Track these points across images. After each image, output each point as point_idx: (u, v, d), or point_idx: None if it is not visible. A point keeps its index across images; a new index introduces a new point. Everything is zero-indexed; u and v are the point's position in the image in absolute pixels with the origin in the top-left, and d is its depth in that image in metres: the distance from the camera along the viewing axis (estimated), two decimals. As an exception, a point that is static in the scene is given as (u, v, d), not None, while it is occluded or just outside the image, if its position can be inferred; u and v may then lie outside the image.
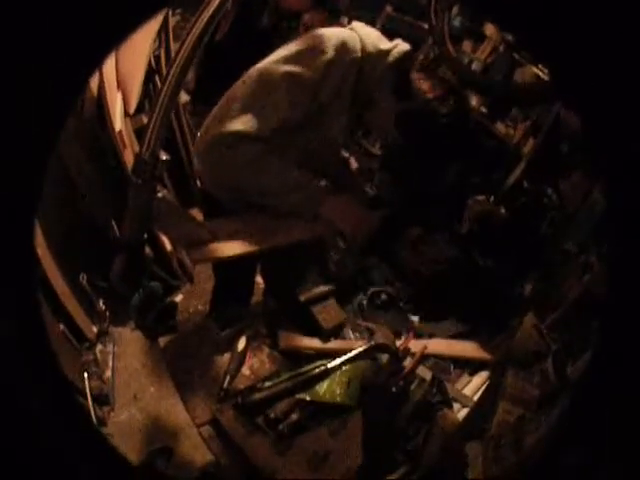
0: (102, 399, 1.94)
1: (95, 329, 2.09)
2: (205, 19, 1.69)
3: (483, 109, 4.20)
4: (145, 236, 1.99)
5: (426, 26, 3.94)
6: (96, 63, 1.12)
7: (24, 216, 1.14)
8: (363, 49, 2.15)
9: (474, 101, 4.20)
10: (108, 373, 2.00)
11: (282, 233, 2.23)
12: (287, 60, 2.11)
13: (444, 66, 3.56)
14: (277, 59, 2.13)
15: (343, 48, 2.11)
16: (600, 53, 1.00)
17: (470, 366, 2.63)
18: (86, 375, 1.94)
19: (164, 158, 1.80)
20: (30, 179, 1.10)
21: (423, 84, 2.20)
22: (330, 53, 2.08)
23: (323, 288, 2.42)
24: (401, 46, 2.24)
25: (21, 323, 1.16)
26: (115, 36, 1.10)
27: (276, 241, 2.20)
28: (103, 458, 1.36)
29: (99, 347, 2.04)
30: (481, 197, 3.86)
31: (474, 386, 2.52)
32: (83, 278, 2.19)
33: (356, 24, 2.24)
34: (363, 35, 2.17)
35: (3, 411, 1.14)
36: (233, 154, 2.12)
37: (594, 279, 2.23)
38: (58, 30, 0.98)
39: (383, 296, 2.89)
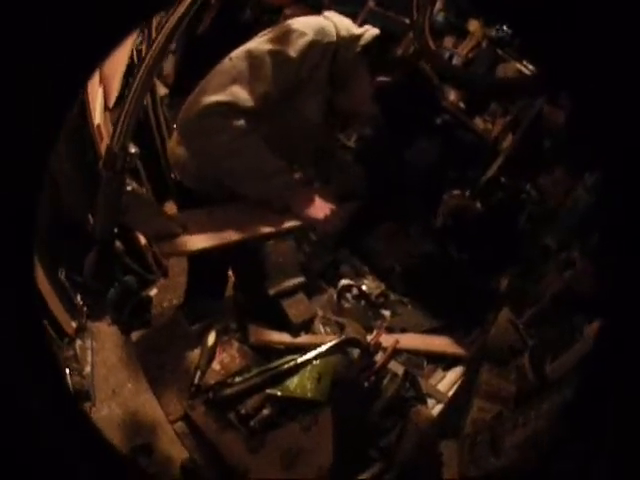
0: (83, 395, 1.93)
1: (74, 324, 2.07)
2: (181, 11, 1.69)
3: (461, 104, 4.19)
4: (115, 230, 1.98)
5: (408, 21, 3.94)
6: (93, 66, 1.11)
7: (24, 215, 1.14)
8: (338, 34, 2.32)
9: (452, 96, 4.20)
10: (88, 369, 2.01)
11: (252, 226, 2.25)
12: (272, 40, 2.26)
13: (423, 60, 3.58)
14: (263, 40, 2.28)
15: (321, 32, 2.29)
16: (593, 41, 1.01)
17: (444, 361, 2.59)
18: (68, 371, 1.93)
19: (133, 151, 1.82)
20: (30, 179, 1.11)
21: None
22: (310, 35, 2.26)
23: (293, 281, 2.39)
24: (371, 31, 2.42)
25: (21, 323, 1.16)
26: (113, 39, 1.11)
27: (246, 234, 2.21)
28: (102, 458, 1.36)
29: (78, 342, 2.04)
30: (456, 192, 3.85)
31: (448, 382, 2.48)
32: (61, 273, 2.18)
33: (329, 13, 2.42)
34: (337, 22, 2.35)
35: (3, 411, 1.14)
36: (219, 127, 2.22)
37: (576, 275, 2.22)
38: (57, 31, 0.99)
39: (354, 290, 2.86)
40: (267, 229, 2.29)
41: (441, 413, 2.20)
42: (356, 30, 2.39)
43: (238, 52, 2.27)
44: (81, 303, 2.14)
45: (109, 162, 1.80)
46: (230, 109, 2.20)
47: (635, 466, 1.11)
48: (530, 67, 3.83)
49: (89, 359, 2.01)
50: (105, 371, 2.04)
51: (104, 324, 2.12)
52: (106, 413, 1.95)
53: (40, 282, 2.07)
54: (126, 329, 2.14)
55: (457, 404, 2.05)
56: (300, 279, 2.42)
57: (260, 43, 2.27)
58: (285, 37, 2.26)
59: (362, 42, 2.36)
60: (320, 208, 2.42)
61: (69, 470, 1.24)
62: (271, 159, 2.32)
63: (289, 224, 2.37)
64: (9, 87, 0.98)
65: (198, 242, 2.09)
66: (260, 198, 2.36)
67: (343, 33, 2.33)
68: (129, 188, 1.93)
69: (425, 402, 2.29)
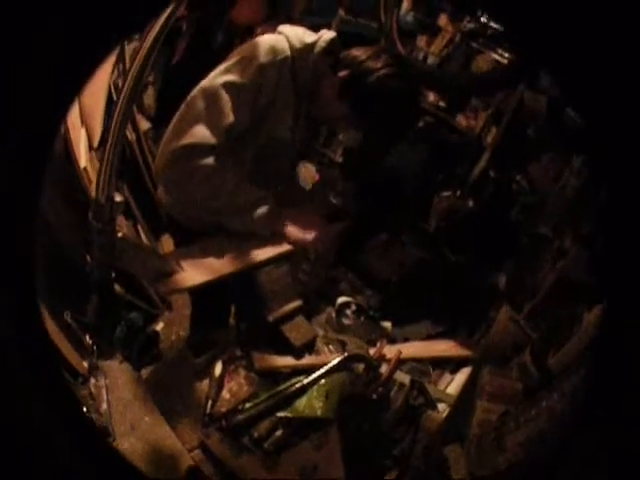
0: (103, 431, 1.95)
1: (86, 364, 2.10)
2: (148, 44, 1.71)
3: (441, 103, 4.20)
4: (113, 275, 2.03)
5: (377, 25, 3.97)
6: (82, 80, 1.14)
7: (24, 215, 1.15)
8: (291, 47, 2.31)
9: (431, 96, 4.21)
10: (104, 406, 2.01)
11: (246, 256, 2.28)
12: (223, 72, 2.25)
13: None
14: (215, 74, 2.27)
15: (272, 51, 2.27)
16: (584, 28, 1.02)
17: (450, 365, 2.64)
18: (85, 410, 1.96)
19: (119, 200, 1.84)
20: (30, 178, 1.12)
21: (354, 52, 2.35)
22: (260, 58, 2.25)
23: (290, 306, 2.43)
24: (326, 35, 2.40)
25: (21, 325, 1.18)
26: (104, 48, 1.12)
27: (241, 265, 2.25)
28: (103, 459, 1.38)
29: (92, 381, 2.05)
30: (447, 193, 3.87)
31: (457, 384, 2.52)
32: (67, 315, 2.21)
33: (283, 27, 2.40)
34: (289, 35, 2.33)
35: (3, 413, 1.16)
36: (189, 170, 2.23)
37: (569, 264, 2.24)
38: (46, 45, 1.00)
39: (352, 306, 2.90)
40: (261, 257, 2.31)
41: (446, 417, 2.23)
42: (309, 38, 2.37)
43: (194, 92, 2.27)
44: (90, 343, 2.17)
45: (97, 214, 1.83)
46: (195, 151, 2.21)
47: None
48: (506, 55, 3.80)
49: (104, 397, 2.03)
50: (121, 407, 2.05)
51: (115, 362, 2.14)
52: (127, 447, 1.97)
53: (47, 324, 2.10)
54: (137, 365, 2.18)
55: (462, 407, 2.08)
56: (297, 302, 2.44)
57: (213, 78, 2.26)
58: (236, 66, 2.26)
59: (317, 49, 2.35)
60: (308, 229, 2.42)
61: (69, 470, 1.26)
62: (248, 191, 2.35)
63: (282, 249, 2.37)
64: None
65: (194, 278, 2.12)
66: (246, 230, 2.36)
67: (297, 45, 2.33)
68: (120, 234, 1.97)
69: (435, 407, 2.34)
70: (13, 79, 0.98)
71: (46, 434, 1.22)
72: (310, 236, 2.42)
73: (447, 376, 2.59)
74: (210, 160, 2.22)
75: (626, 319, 1.16)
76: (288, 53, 2.31)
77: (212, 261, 2.21)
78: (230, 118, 2.23)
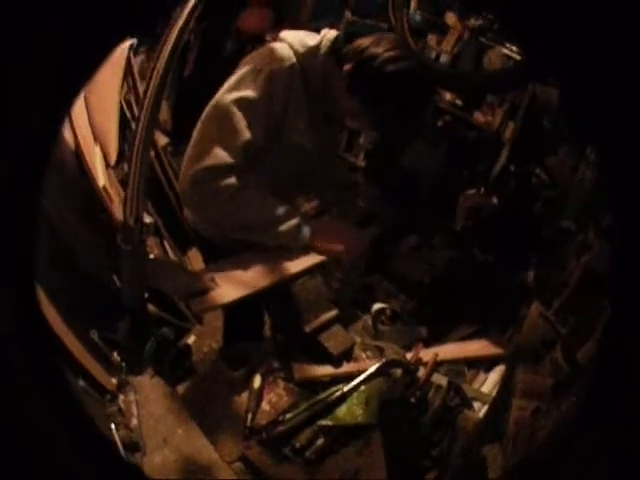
0: (133, 446, 1.97)
1: (114, 381, 2.11)
2: (164, 59, 1.71)
3: (458, 101, 4.22)
4: (146, 296, 2.04)
5: (386, 26, 3.96)
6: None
7: (24, 214, 1.15)
8: (295, 52, 2.33)
9: (448, 95, 4.22)
10: (134, 421, 2.02)
11: (279, 269, 2.30)
12: (232, 89, 2.26)
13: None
14: (223, 91, 2.29)
15: (276, 59, 2.29)
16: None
17: (484, 364, 2.66)
18: (113, 426, 1.98)
19: (148, 221, 1.86)
20: (30, 178, 1.12)
21: (355, 43, 2.32)
22: (266, 69, 2.26)
23: (326, 315, 2.44)
24: (329, 34, 2.41)
25: (21, 324, 1.17)
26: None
27: (274, 278, 2.27)
28: (104, 459, 1.38)
29: (121, 397, 2.06)
30: (471, 191, 3.90)
31: (492, 382, 2.55)
32: (94, 334, 2.22)
33: (283, 33, 2.41)
34: (292, 40, 2.35)
35: (3, 413, 1.16)
36: (212, 192, 2.26)
37: (593, 257, 2.24)
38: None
39: (387, 312, 2.92)
40: (295, 269, 2.34)
41: (485, 417, 2.24)
42: (312, 41, 2.37)
43: (207, 110, 2.30)
44: (119, 360, 2.18)
45: (126, 236, 1.85)
46: (215, 172, 2.23)
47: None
48: (514, 49, 3.84)
49: (134, 412, 2.03)
50: (153, 422, 2.05)
51: (146, 377, 2.14)
52: (159, 461, 1.97)
53: (71, 343, 2.11)
54: (169, 380, 2.19)
55: (498, 406, 2.09)
56: (333, 312, 2.45)
57: (223, 94, 2.27)
58: (245, 79, 2.26)
59: (322, 50, 2.35)
60: (339, 239, 2.45)
61: (70, 471, 1.25)
62: (272, 207, 2.35)
63: (316, 260, 2.41)
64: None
65: (228, 294, 2.14)
66: (276, 244, 2.37)
67: (300, 49, 2.33)
68: (151, 256, 1.98)
69: (471, 406, 2.36)
70: (13, 79, 0.98)
71: (46, 434, 1.22)
72: (341, 246, 2.43)
73: (481, 375, 2.61)
74: (232, 180, 2.25)
75: (629, 320, 1.16)
76: (293, 59, 2.32)
77: (245, 276, 2.23)
78: (246, 135, 2.25)
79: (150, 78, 1.73)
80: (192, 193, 2.29)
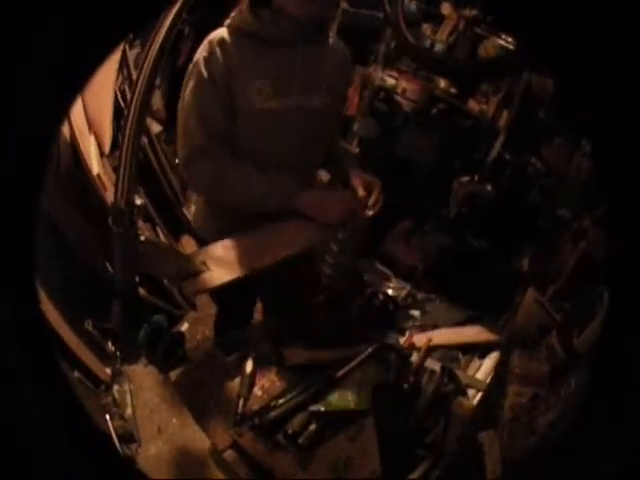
0: (127, 437, 1.95)
1: (109, 371, 2.11)
2: (156, 47, 1.73)
3: (452, 90, 4.22)
4: (137, 280, 2.03)
5: (381, 15, 3.99)
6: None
7: (24, 213, 1.13)
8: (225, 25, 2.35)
9: (442, 83, 4.23)
10: (129, 411, 2.01)
11: (271, 251, 2.28)
12: (185, 83, 2.35)
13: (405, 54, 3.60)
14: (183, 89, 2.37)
15: (207, 41, 2.31)
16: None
17: (479, 350, 2.64)
18: (108, 417, 1.96)
19: (139, 202, 1.86)
20: (30, 177, 1.10)
21: None
22: (200, 52, 2.30)
23: (320, 299, 2.43)
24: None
25: (21, 324, 1.16)
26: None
27: (266, 260, 2.24)
28: (104, 458, 1.35)
29: (116, 387, 2.04)
30: (465, 178, 3.91)
31: (486, 369, 2.54)
32: (88, 324, 2.21)
33: None
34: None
35: (3, 413, 1.14)
36: (196, 179, 2.43)
37: (589, 244, 2.25)
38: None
39: (381, 296, 2.90)
40: (286, 250, 2.30)
41: (479, 403, 2.25)
42: None
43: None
44: (113, 349, 2.17)
45: (117, 218, 1.84)
46: (192, 158, 2.33)
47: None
48: (509, 39, 3.88)
49: (129, 402, 2.01)
50: (147, 411, 2.04)
51: (140, 366, 2.13)
52: (154, 452, 1.94)
53: (66, 335, 2.10)
54: (163, 367, 2.17)
55: (493, 392, 2.08)
56: (325, 293, 2.45)
57: (182, 92, 2.36)
58: (190, 72, 2.33)
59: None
60: (334, 206, 2.38)
61: (70, 471, 1.22)
62: (260, 179, 2.35)
63: (308, 240, 2.39)
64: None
65: (220, 276, 2.12)
66: (279, 209, 2.36)
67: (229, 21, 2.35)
68: (142, 238, 1.97)
69: (465, 393, 2.34)
70: (13, 79, 0.97)
71: (46, 434, 1.20)
72: (335, 215, 2.38)
73: (476, 361, 2.60)
74: (209, 160, 2.33)
75: (629, 314, 1.13)
76: (222, 29, 2.33)
77: (237, 259, 2.21)
78: (208, 119, 2.31)
79: (142, 65, 1.75)
80: (187, 182, 2.50)
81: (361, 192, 2.49)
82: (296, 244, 2.35)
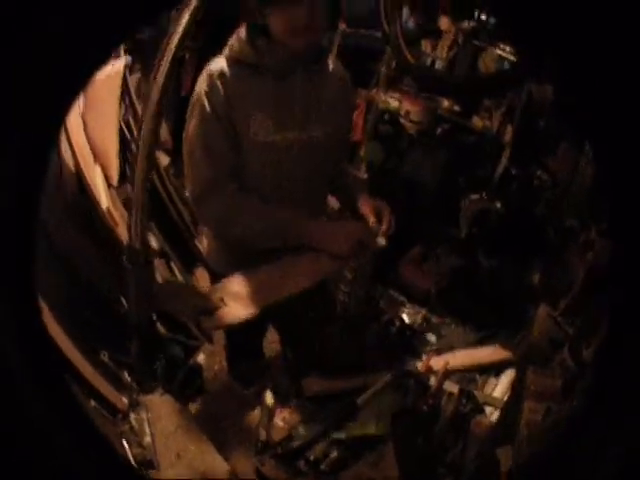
0: (147, 464, 1.97)
1: (125, 400, 2.13)
2: (160, 82, 1.73)
3: (456, 107, 4.26)
4: (154, 316, 2.10)
5: (380, 34, 3.99)
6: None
7: (24, 213, 1.15)
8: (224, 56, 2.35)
9: (445, 102, 4.24)
10: (147, 439, 2.03)
11: (284, 286, 2.29)
12: (189, 119, 2.36)
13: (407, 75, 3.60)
14: (187, 123, 2.37)
15: (207, 74, 2.31)
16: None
17: (495, 368, 2.67)
18: (126, 444, 1.99)
19: (155, 245, 1.87)
20: (31, 177, 1.12)
21: None
22: (200, 87, 2.32)
23: (336, 327, 2.47)
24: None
25: (21, 324, 1.18)
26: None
27: (280, 295, 2.26)
28: (104, 458, 1.38)
29: (133, 416, 2.07)
30: (474, 196, 3.92)
31: (502, 386, 2.57)
32: (104, 355, 2.26)
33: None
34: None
35: (3, 413, 1.16)
36: (207, 215, 2.46)
37: (597, 255, 2.22)
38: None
39: (397, 322, 2.93)
40: (301, 283, 2.31)
41: (497, 420, 2.26)
42: None
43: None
44: (129, 380, 2.19)
45: (133, 258, 1.88)
46: (203, 195, 2.35)
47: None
48: (507, 49, 3.88)
49: (147, 430, 2.03)
50: (165, 439, 2.04)
51: (156, 395, 2.16)
52: (173, 477, 1.99)
53: (81, 365, 2.12)
54: (181, 397, 2.21)
55: (510, 409, 2.09)
56: (340, 322, 2.49)
57: (186, 125, 2.37)
58: (192, 107, 2.35)
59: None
60: (345, 237, 2.39)
61: (70, 471, 1.25)
62: (268, 212, 2.37)
63: (322, 272, 2.41)
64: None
65: (238, 312, 2.15)
66: (290, 244, 2.36)
67: (227, 52, 2.35)
68: (159, 280, 2.00)
69: (483, 411, 2.37)
70: (13, 79, 0.99)
71: (46, 434, 1.22)
72: (346, 246, 2.37)
73: (492, 380, 2.63)
74: (218, 196, 2.34)
75: (630, 316, 1.16)
76: (221, 61, 2.34)
77: (253, 294, 2.23)
78: (215, 154, 2.32)
79: (147, 102, 1.77)
80: (199, 218, 2.50)
81: (372, 220, 2.46)
82: (310, 276, 2.36)
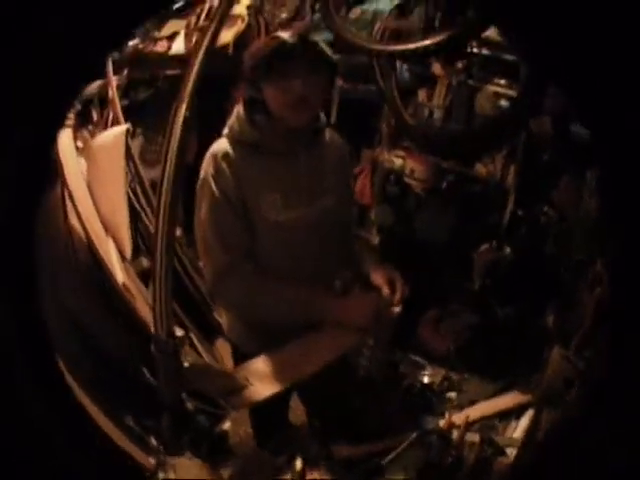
0: None
1: (152, 460, 2.16)
2: (173, 157, 1.77)
3: (459, 158, 4.30)
4: (184, 395, 2.13)
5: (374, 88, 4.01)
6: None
7: (24, 213, 1.22)
8: (226, 136, 2.44)
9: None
10: None
11: (308, 363, 2.39)
12: (198, 207, 2.44)
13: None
14: (197, 209, 2.45)
15: (211, 155, 2.40)
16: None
17: (514, 413, 2.70)
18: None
19: (180, 334, 1.96)
20: (31, 169, 1.18)
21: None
22: (206, 169, 2.40)
23: (360, 395, 2.56)
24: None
25: (21, 324, 1.24)
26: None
27: (304, 372, 2.37)
28: (103, 459, 1.48)
29: (161, 475, 2.09)
30: (484, 246, 3.98)
31: (522, 428, 2.58)
32: (130, 420, 2.34)
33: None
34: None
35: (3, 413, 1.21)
36: (226, 297, 2.55)
37: (604, 288, 2.30)
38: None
39: (418, 385, 3.02)
40: (324, 359, 2.39)
41: (515, 459, 2.28)
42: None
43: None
44: (156, 444, 2.24)
45: (160, 347, 1.93)
46: (220, 278, 2.42)
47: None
48: (502, 83, 3.84)
49: None
50: None
51: (185, 458, 2.18)
52: None
53: (107, 427, 2.15)
54: (209, 462, 2.23)
55: (528, 449, 2.17)
56: (363, 388, 2.59)
57: (197, 211, 2.44)
58: (200, 192, 2.42)
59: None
60: (362, 310, 2.45)
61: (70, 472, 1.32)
62: (285, 288, 2.43)
63: (344, 346, 2.48)
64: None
65: (264, 390, 2.25)
66: (308, 322, 2.43)
67: (227, 131, 2.44)
68: (186, 364, 2.09)
69: (504, 453, 2.40)
70: (13, 79, 1.02)
71: (46, 434, 1.27)
72: (364, 318, 2.44)
73: (513, 423, 2.65)
74: (236, 280, 2.41)
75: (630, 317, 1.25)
76: (223, 142, 2.42)
77: (278, 372, 2.31)
78: (228, 238, 2.39)
79: (162, 181, 1.79)
80: (216, 291, 2.53)
81: (385, 290, 2.53)
82: (333, 351, 2.43)
